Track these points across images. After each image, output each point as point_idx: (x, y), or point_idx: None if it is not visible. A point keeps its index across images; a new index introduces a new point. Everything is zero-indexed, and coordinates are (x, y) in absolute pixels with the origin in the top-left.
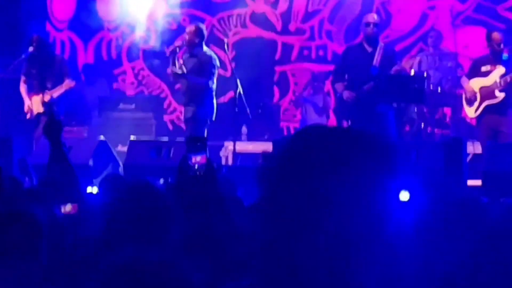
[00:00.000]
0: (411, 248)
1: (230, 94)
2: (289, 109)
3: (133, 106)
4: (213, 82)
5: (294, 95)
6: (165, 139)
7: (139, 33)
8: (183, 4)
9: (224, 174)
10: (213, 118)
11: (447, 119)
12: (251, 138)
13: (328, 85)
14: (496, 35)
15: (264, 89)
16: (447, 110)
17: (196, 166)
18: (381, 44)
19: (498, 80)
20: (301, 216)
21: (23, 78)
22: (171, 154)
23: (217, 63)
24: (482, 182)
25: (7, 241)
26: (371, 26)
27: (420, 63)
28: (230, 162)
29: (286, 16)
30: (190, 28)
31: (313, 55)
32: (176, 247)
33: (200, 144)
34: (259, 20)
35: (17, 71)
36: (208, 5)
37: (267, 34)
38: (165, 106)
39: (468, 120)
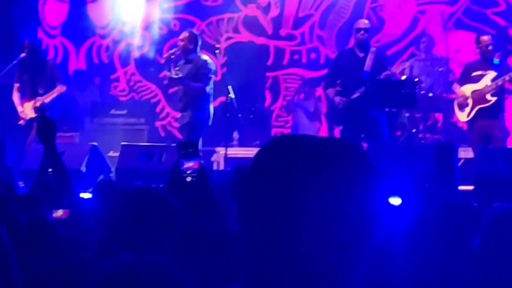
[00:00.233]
0: (403, 252)
1: (221, 99)
2: (281, 116)
3: (125, 111)
4: (210, 87)
5: (285, 100)
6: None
7: (131, 39)
8: (174, 9)
9: (216, 179)
10: (210, 123)
11: (439, 124)
12: (242, 143)
13: (319, 91)
14: (484, 38)
15: (255, 94)
16: (439, 115)
17: (189, 172)
18: (372, 49)
19: (489, 84)
20: (274, 226)
21: (16, 85)
22: (163, 159)
23: (213, 67)
24: (474, 187)
25: None
26: (362, 31)
27: (411, 68)
28: (221, 167)
29: (277, 21)
30: (184, 34)
31: (305, 60)
32: (176, 251)
33: (192, 149)
34: (251, 24)
35: (8, 76)
36: (199, 9)
37: (259, 39)
38: (157, 110)
39: (460, 125)
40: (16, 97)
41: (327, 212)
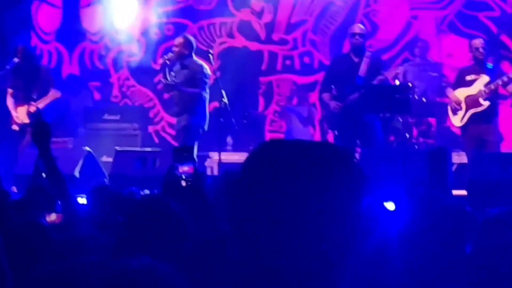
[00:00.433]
0: (397, 257)
1: (214, 104)
2: (275, 120)
3: (118, 117)
4: (206, 92)
5: (278, 105)
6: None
7: (124, 44)
8: (168, 14)
9: (210, 184)
10: (206, 128)
11: (432, 129)
12: (236, 148)
13: (313, 97)
14: (475, 42)
15: (249, 99)
16: (432, 120)
17: (184, 176)
18: (368, 53)
19: (482, 89)
20: (263, 228)
21: (10, 91)
22: (157, 164)
23: (208, 72)
24: (468, 191)
25: None
26: (358, 36)
27: (405, 73)
28: (215, 172)
29: (270, 26)
30: (178, 40)
31: (298, 65)
32: (171, 255)
33: (187, 154)
34: (245, 29)
35: (2, 82)
36: (193, 13)
37: (252, 44)
38: (151, 115)
39: (453, 130)
40: (9, 102)
41: (315, 215)
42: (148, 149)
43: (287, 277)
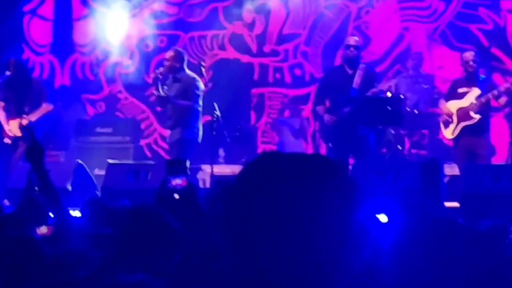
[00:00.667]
0: (389, 269)
1: (206, 116)
2: (267, 131)
3: (110, 130)
4: (199, 105)
5: (270, 118)
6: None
7: (116, 56)
8: (160, 26)
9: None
10: (199, 140)
11: (424, 141)
12: (228, 161)
13: (307, 111)
14: (466, 55)
15: (241, 111)
16: (424, 132)
17: (177, 189)
18: (362, 66)
19: (473, 102)
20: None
21: (1, 104)
22: (149, 177)
23: (201, 85)
24: (460, 204)
25: None
26: (352, 48)
27: (397, 85)
28: (207, 185)
29: (261, 38)
30: (169, 53)
31: (289, 78)
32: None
33: (180, 167)
34: (236, 42)
35: None
36: (184, 25)
37: (244, 57)
38: (144, 128)
39: (446, 142)
40: (1, 115)
41: (308, 227)
42: (141, 162)
43: (282, 286)
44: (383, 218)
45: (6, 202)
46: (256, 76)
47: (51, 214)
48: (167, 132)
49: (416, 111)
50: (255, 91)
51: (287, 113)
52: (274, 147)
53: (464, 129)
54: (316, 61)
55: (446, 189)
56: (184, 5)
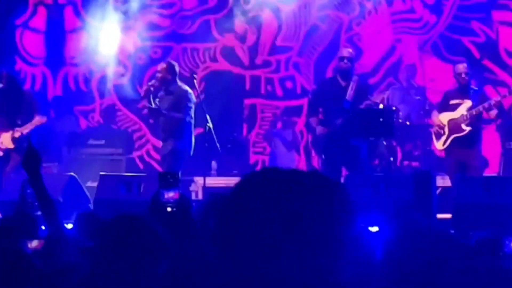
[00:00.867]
0: (381, 281)
1: (199, 128)
2: (258, 142)
3: (102, 141)
4: (190, 117)
5: (261, 129)
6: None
7: (109, 68)
8: (153, 37)
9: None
10: (192, 153)
11: (416, 153)
12: (221, 173)
13: (300, 124)
14: (459, 67)
15: (233, 123)
16: (416, 143)
17: (169, 202)
18: (355, 77)
19: (465, 114)
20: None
21: None
22: (142, 189)
23: (193, 97)
24: (452, 215)
25: None
26: (345, 60)
27: (389, 97)
28: (200, 197)
29: (253, 50)
30: (161, 66)
31: (280, 90)
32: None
33: (172, 179)
34: (228, 54)
35: None
36: (176, 36)
37: (236, 69)
38: (136, 139)
39: (438, 153)
40: None
41: (301, 243)
42: (133, 174)
43: None
44: (374, 230)
45: None
46: (248, 87)
47: (43, 227)
48: (160, 143)
49: (408, 123)
50: (247, 101)
51: (279, 125)
52: (266, 158)
53: (455, 140)
54: (308, 72)
55: (438, 201)
56: (176, 17)
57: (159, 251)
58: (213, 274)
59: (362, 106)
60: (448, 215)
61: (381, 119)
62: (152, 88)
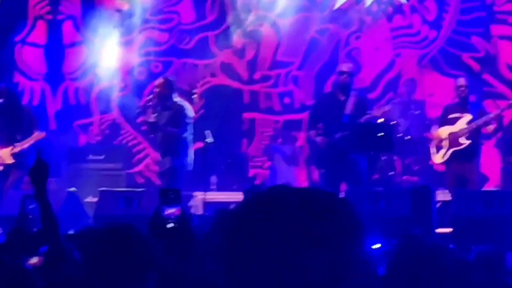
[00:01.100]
0: None
1: (198, 143)
2: (257, 156)
3: (102, 157)
4: (188, 132)
5: (261, 143)
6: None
7: (109, 82)
8: (153, 52)
9: (197, 225)
10: (191, 168)
11: (416, 167)
12: (220, 188)
13: (301, 138)
14: (459, 80)
15: (233, 138)
16: (416, 158)
17: (170, 218)
18: (354, 92)
19: (464, 127)
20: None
21: None
22: (142, 204)
23: (190, 112)
24: (452, 229)
25: None
26: (345, 75)
27: (389, 111)
28: (200, 212)
29: (252, 64)
30: (159, 81)
31: (279, 105)
32: None
33: (173, 196)
34: (227, 69)
35: None
36: (176, 51)
37: (235, 84)
38: (136, 153)
39: (437, 168)
40: None
41: (308, 261)
42: (133, 189)
43: None
44: (375, 245)
45: None
46: (246, 103)
47: (43, 243)
48: (159, 156)
49: (407, 137)
50: (246, 115)
51: (279, 139)
52: (265, 172)
53: (454, 154)
54: (308, 86)
55: (438, 215)
56: (175, 30)
57: (149, 262)
58: None
59: (362, 120)
60: (448, 229)
61: (381, 134)
62: (150, 103)
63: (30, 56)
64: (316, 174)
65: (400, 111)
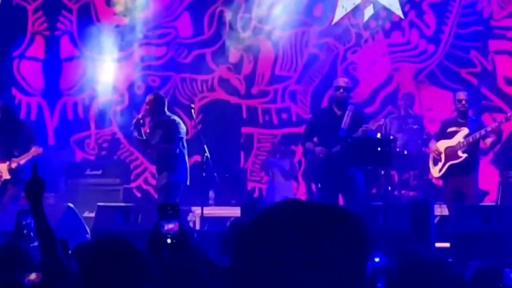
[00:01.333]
0: None
1: (195, 158)
2: (255, 171)
3: (100, 172)
4: (183, 147)
5: (257, 158)
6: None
7: (106, 98)
8: (151, 67)
9: (196, 240)
10: (187, 183)
11: (414, 182)
12: (218, 203)
13: (298, 152)
14: (459, 94)
15: (231, 152)
16: (414, 172)
17: (169, 234)
18: (350, 107)
19: (461, 141)
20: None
21: None
22: (139, 219)
23: (183, 127)
24: (450, 244)
25: None
26: (341, 90)
27: (386, 125)
28: (197, 227)
29: (250, 79)
30: (149, 97)
31: (277, 119)
32: None
33: (172, 211)
34: (225, 84)
35: None
36: (175, 65)
37: (233, 98)
38: (133, 168)
39: (435, 182)
40: None
41: (320, 277)
42: (131, 204)
43: None
44: (374, 260)
45: None
46: (244, 117)
47: (40, 259)
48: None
49: (405, 152)
50: (244, 130)
51: (277, 154)
52: (263, 187)
53: (451, 168)
54: (305, 100)
55: (436, 230)
56: (172, 43)
57: (142, 274)
58: None
59: (358, 133)
60: (447, 244)
61: (379, 149)
62: (141, 121)
63: (28, 71)
64: (315, 188)
65: (398, 126)
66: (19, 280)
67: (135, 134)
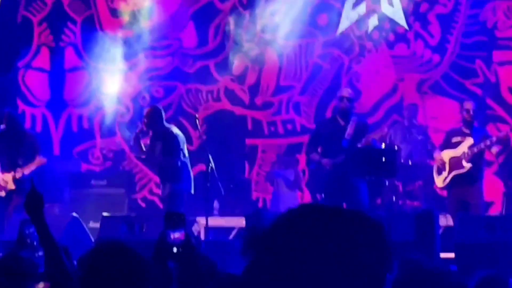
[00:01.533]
0: None
1: (199, 167)
2: (259, 182)
3: (104, 182)
4: (184, 157)
5: (261, 169)
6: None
7: (111, 109)
8: (155, 77)
9: (203, 250)
10: (192, 191)
11: (418, 192)
12: (223, 213)
13: (302, 162)
14: (467, 104)
15: (236, 163)
16: (418, 183)
17: (175, 243)
18: (354, 117)
19: (466, 151)
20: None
21: None
22: (144, 229)
23: (181, 138)
24: (455, 254)
25: None
26: (345, 100)
27: (391, 135)
28: (202, 237)
29: (254, 89)
30: (146, 111)
31: (282, 129)
32: None
33: (178, 220)
34: (230, 94)
35: None
36: (181, 74)
37: (237, 109)
38: (138, 179)
39: (440, 193)
40: None
41: (339, 283)
42: (135, 214)
43: None
44: None
45: None
46: (249, 127)
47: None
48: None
49: (410, 162)
50: (249, 141)
51: (281, 165)
52: (269, 196)
53: (455, 178)
54: (309, 111)
55: (440, 240)
56: (177, 53)
57: (141, 278)
58: None
59: (362, 143)
60: (451, 255)
61: (383, 159)
62: (140, 134)
63: (34, 82)
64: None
65: (402, 136)
66: None
67: (135, 152)
